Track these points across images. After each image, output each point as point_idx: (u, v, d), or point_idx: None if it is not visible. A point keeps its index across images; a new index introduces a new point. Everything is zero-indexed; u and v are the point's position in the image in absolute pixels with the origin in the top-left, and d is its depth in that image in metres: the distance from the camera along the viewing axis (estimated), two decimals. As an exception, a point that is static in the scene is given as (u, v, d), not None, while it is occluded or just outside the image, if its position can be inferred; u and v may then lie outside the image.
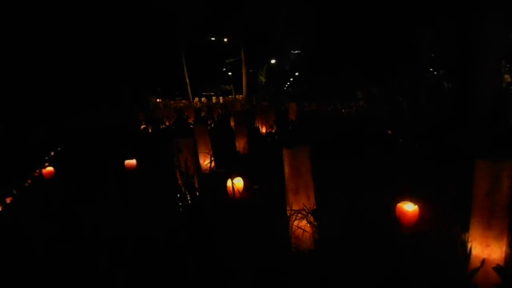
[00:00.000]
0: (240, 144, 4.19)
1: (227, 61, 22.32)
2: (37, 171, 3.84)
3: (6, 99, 8.36)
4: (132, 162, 3.44)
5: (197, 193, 2.42)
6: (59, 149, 5.38)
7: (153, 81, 20.85)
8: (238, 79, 21.25)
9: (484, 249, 1.37)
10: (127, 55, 12.62)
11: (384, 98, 9.34)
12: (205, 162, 3.23)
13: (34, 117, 8.04)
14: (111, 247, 1.94)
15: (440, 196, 2.06)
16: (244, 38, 16.94)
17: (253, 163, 3.26)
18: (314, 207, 1.76)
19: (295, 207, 1.76)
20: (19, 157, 4.59)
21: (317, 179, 1.80)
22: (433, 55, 14.28)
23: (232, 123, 5.70)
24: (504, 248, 1.38)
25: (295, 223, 1.74)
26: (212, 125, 6.57)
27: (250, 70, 18.84)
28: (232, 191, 2.30)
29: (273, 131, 5.27)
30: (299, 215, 1.74)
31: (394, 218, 1.80)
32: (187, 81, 20.53)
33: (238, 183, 2.37)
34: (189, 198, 2.38)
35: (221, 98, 19.34)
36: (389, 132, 4.41)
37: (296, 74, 29.93)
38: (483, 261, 1.37)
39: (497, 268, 1.35)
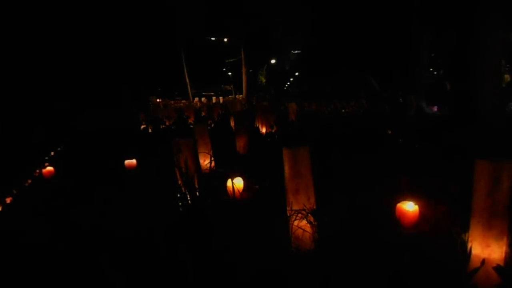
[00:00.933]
0: (240, 144, 4.19)
1: (227, 61, 22.34)
2: (37, 171, 3.84)
3: (6, 99, 8.36)
4: (132, 162, 3.44)
5: (197, 193, 2.42)
6: (59, 149, 5.38)
7: (153, 81, 20.85)
8: (238, 79, 21.25)
9: (484, 249, 1.37)
10: (127, 55, 12.61)
11: (384, 97, 9.35)
12: (205, 162, 3.23)
13: (33, 117, 8.04)
14: (111, 247, 1.94)
15: (440, 196, 2.06)
16: (244, 38, 16.94)
17: (253, 163, 3.26)
18: (314, 207, 1.76)
19: (295, 207, 1.76)
20: (19, 157, 4.59)
21: (317, 179, 1.80)
22: (433, 55, 14.28)
23: (232, 123, 5.70)
24: (504, 248, 1.38)
25: (295, 223, 1.74)
26: (212, 125, 6.57)
27: (250, 70, 18.84)
28: (232, 191, 2.30)
29: (273, 131, 5.27)
30: (299, 215, 1.74)
31: (394, 218, 1.80)
32: (187, 81, 20.53)
33: (238, 183, 2.37)
34: (189, 198, 2.38)
35: (221, 98, 19.34)
36: (389, 132, 4.41)
37: (296, 74, 29.94)
38: (483, 261, 1.37)
39: (497, 268, 1.35)
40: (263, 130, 5.52)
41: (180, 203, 2.37)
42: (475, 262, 1.39)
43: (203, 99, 19.36)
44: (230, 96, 24.33)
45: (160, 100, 20.72)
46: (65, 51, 10.48)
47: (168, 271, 1.70)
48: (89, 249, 1.96)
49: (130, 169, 3.41)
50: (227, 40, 19.68)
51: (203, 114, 9.03)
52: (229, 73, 29.87)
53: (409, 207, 1.79)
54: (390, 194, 2.00)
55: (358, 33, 14.48)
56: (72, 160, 4.41)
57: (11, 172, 3.76)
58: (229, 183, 2.34)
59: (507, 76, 11.10)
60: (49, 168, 3.44)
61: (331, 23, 15.62)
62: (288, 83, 31.54)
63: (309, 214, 1.73)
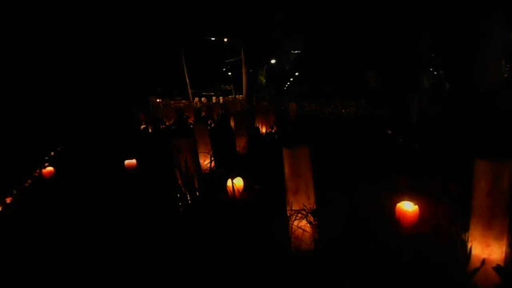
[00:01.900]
0: (240, 144, 4.19)
1: (227, 61, 22.34)
2: (37, 171, 3.84)
3: (6, 99, 8.36)
4: (132, 162, 3.44)
5: (197, 193, 2.42)
6: (59, 149, 5.38)
7: (153, 81, 20.86)
8: (238, 79, 21.25)
9: (484, 249, 1.37)
10: (127, 55, 12.62)
11: (384, 97, 9.34)
12: (205, 162, 3.23)
13: (34, 117, 8.04)
14: (111, 247, 1.94)
15: (440, 196, 2.06)
16: (244, 38, 16.95)
17: (253, 163, 3.26)
18: (314, 207, 1.76)
19: (295, 207, 1.76)
20: (19, 157, 4.59)
21: (317, 179, 1.80)
22: (433, 55, 14.28)
23: (232, 123, 5.70)
24: (504, 248, 1.38)
25: (295, 223, 1.74)
26: (212, 125, 6.57)
27: (250, 70, 18.84)
28: (232, 191, 2.29)
29: (273, 131, 5.27)
30: (299, 215, 1.74)
31: (394, 218, 1.80)
32: (187, 81, 20.54)
33: (238, 183, 2.37)
34: (189, 198, 2.38)
35: (221, 98, 19.34)
36: (389, 132, 4.41)
37: (296, 74, 29.94)
38: (483, 261, 1.36)
39: (497, 268, 1.35)
40: (263, 130, 5.52)
41: (180, 203, 2.37)
42: (475, 262, 1.39)
43: (203, 99, 19.37)
44: (230, 96, 24.34)
45: (160, 100, 20.72)
46: (65, 51, 10.48)
47: (168, 271, 1.70)
48: (89, 249, 1.96)
49: (130, 169, 3.41)
50: (227, 40, 19.69)
51: (203, 114, 9.03)
52: (229, 73, 29.87)
53: (409, 207, 1.79)
54: (390, 194, 2.00)
55: (358, 33, 14.48)
56: (72, 160, 4.41)
57: (11, 172, 3.76)
58: (229, 183, 2.34)
59: (506, 76, 11.09)
60: (49, 168, 3.43)
61: (331, 23, 15.62)
62: (288, 83, 31.55)
63: (309, 214, 1.73)
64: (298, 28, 17.76)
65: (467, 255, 1.41)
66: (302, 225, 1.74)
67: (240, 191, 2.35)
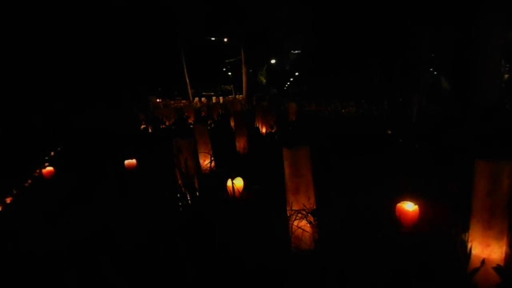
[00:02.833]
0: (240, 144, 4.19)
1: (227, 61, 22.34)
2: (37, 171, 3.84)
3: (6, 100, 8.36)
4: (132, 162, 3.44)
5: (197, 193, 2.42)
6: (59, 149, 5.38)
7: (153, 81, 20.85)
8: (238, 79, 21.25)
9: (484, 249, 1.37)
10: (127, 55, 12.62)
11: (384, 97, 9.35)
12: (205, 162, 3.23)
13: (34, 117, 8.04)
14: (111, 247, 1.94)
15: (440, 196, 2.06)
16: (244, 38, 16.94)
17: (253, 163, 3.26)
18: (314, 207, 1.76)
19: (295, 207, 1.76)
20: (19, 157, 4.59)
21: (317, 179, 1.80)
22: (433, 55, 14.27)
23: (232, 123, 5.70)
24: (504, 248, 1.38)
25: (295, 223, 1.74)
26: (212, 125, 6.57)
27: (250, 70, 18.84)
28: (232, 191, 2.30)
29: (273, 131, 5.27)
30: (299, 215, 1.74)
31: (394, 218, 1.80)
32: (187, 81, 20.54)
33: (238, 183, 2.37)
34: (189, 198, 2.38)
35: (221, 98, 19.35)
36: (389, 132, 4.41)
37: (296, 74, 29.95)
38: (483, 261, 1.37)
39: (497, 268, 1.35)
40: (263, 130, 5.52)
41: (180, 203, 2.36)
42: (475, 262, 1.39)
43: (203, 99, 19.37)
44: (230, 96, 24.34)
45: (160, 100, 20.73)
46: (65, 52, 10.48)
47: (168, 272, 1.70)
48: (89, 249, 1.96)
49: (130, 169, 3.41)
50: (227, 40, 19.69)
51: (203, 114, 9.03)
52: (229, 73, 29.87)
53: (409, 207, 1.79)
54: (390, 194, 2.00)
55: (358, 33, 14.48)
56: (72, 160, 4.41)
57: (11, 172, 3.76)
58: (229, 183, 2.34)
59: (506, 76, 11.09)
60: (49, 168, 3.43)
61: (331, 23, 15.62)
62: (288, 83, 31.56)
63: (309, 214, 1.73)
64: (298, 28, 17.76)
65: (467, 255, 1.41)
66: (302, 225, 1.74)
67: (240, 191, 2.35)
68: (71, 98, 10.37)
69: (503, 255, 1.38)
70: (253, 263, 1.63)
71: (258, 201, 2.24)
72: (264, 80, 22.52)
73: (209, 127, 4.44)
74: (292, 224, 1.75)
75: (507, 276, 1.33)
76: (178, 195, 2.39)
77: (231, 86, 29.65)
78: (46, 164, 3.81)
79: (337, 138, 4.12)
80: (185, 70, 20.20)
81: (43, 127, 5.77)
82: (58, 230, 2.23)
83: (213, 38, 20.06)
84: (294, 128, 5.59)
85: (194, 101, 18.70)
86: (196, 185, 2.45)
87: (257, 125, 5.77)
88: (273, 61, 23.33)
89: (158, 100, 20.71)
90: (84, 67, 11.10)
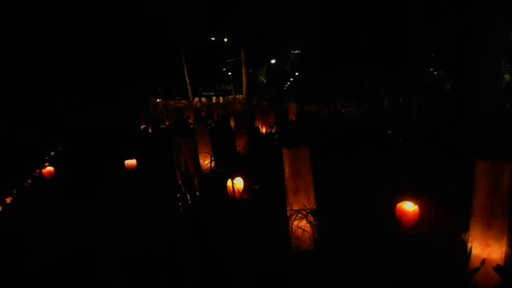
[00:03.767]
0: (240, 144, 4.19)
1: (227, 61, 22.35)
2: (37, 171, 3.84)
3: (6, 100, 8.37)
4: (132, 162, 3.44)
5: (197, 193, 2.42)
6: (59, 149, 5.38)
7: (153, 81, 20.86)
8: (238, 79, 21.24)
9: (484, 249, 1.37)
10: (127, 55, 12.62)
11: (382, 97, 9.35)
12: (205, 162, 3.23)
13: (32, 117, 8.04)
14: (111, 247, 1.94)
15: (441, 196, 2.06)
16: (244, 38, 16.94)
17: (253, 163, 3.26)
18: (314, 207, 1.76)
19: (295, 207, 1.76)
20: (19, 157, 4.59)
21: (317, 179, 1.80)
22: (433, 55, 14.28)
23: (232, 123, 5.70)
24: (504, 248, 1.38)
25: (295, 223, 1.74)
26: (212, 125, 6.57)
27: (250, 70, 18.83)
28: (232, 191, 2.29)
29: (273, 131, 5.27)
30: (299, 215, 1.74)
31: (394, 218, 1.80)
32: (187, 81, 20.54)
33: (238, 183, 2.37)
34: (189, 198, 2.38)
35: (221, 98, 19.35)
36: (389, 132, 4.41)
37: (296, 74, 29.96)
38: (483, 261, 1.37)
39: (497, 268, 1.35)
40: (263, 130, 5.52)
41: (180, 203, 2.36)
42: (475, 262, 1.39)
43: (203, 99, 19.38)
44: (230, 96, 24.35)
45: (160, 100, 20.73)
46: (66, 52, 10.49)
47: (168, 271, 1.70)
48: (89, 249, 1.96)
49: (130, 169, 3.41)
50: (227, 40, 19.69)
51: (203, 114, 9.03)
52: (229, 73, 29.88)
53: (409, 207, 1.79)
54: (390, 194, 2.00)
55: (358, 33, 14.48)
56: (72, 160, 4.41)
57: (11, 172, 3.76)
58: (229, 183, 2.33)
59: (507, 76, 11.09)
60: (49, 168, 3.43)
61: (331, 22, 15.62)
62: (288, 83, 31.57)
63: (309, 214, 1.73)
64: (298, 28, 17.77)
65: (467, 255, 1.41)
66: (302, 225, 1.74)
67: (240, 191, 2.35)
68: (72, 98, 10.38)
69: (503, 255, 1.38)
70: (253, 263, 1.63)
71: (258, 201, 2.23)
72: (264, 80, 22.52)
73: (209, 127, 4.44)
74: (292, 224, 1.75)
75: (507, 276, 1.33)
76: (178, 195, 2.39)
77: (231, 86, 29.66)
78: (46, 164, 3.81)
79: (337, 138, 4.12)
80: (185, 70, 20.20)
81: (37, 140, 5.74)
82: (58, 230, 2.23)
83: (213, 38, 20.07)
84: (294, 128, 5.59)
85: (194, 101, 18.71)
86: (196, 185, 2.45)
87: (257, 125, 5.77)
88: (273, 61, 23.34)
89: (158, 100, 20.72)
90: (85, 67, 11.10)
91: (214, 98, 18.89)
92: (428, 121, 5.34)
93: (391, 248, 1.57)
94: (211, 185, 2.52)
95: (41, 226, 2.33)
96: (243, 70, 17.79)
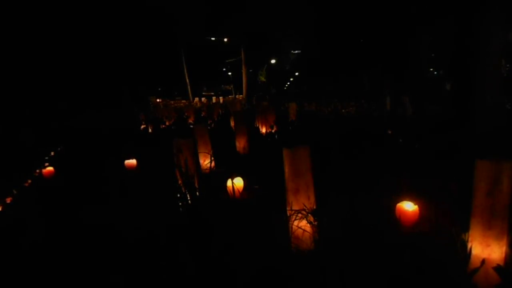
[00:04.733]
0: (240, 144, 4.19)
1: (227, 61, 22.33)
2: (37, 171, 3.84)
3: (6, 100, 8.37)
4: (132, 162, 3.44)
5: (197, 193, 2.42)
6: (59, 149, 5.38)
7: (153, 81, 20.87)
8: (238, 79, 21.25)
9: (484, 249, 1.37)
10: (127, 56, 12.62)
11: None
12: (205, 162, 3.23)
13: (32, 117, 8.04)
14: (111, 247, 1.94)
15: (440, 196, 2.06)
16: (244, 38, 16.94)
17: (253, 163, 3.26)
18: (314, 207, 1.76)
19: (295, 207, 1.76)
20: (19, 157, 4.59)
21: (317, 179, 1.80)
22: (433, 55, 14.28)
23: (232, 123, 5.70)
24: (504, 248, 1.38)
25: (295, 223, 1.74)
26: (212, 125, 6.57)
27: (250, 70, 18.83)
28: (232, 191, 2.30)
29: (273, 131, 5.27)
30: (299, 215, 1.74)
31: (394, 218, 1.80)
32: (187, 81, 20.54)
33: (238, 183, 2.37)
34: (189, 198, 2.38)
35: (221, 98, 19.36)
36: (389, 132, 4.41)
37: (296, 74, 29.96)
38: (483, 261, 1.37)
39: (497, 268, 1.35)
40: (263, 130, 5.52)
41: (180, 203, 2.36)
42: (475, 262, 1.39)
43: (203, 99, 19.38)
44: (230, 96, 24.35)
45: (160, 100, 20.74)
46: (66, 52, 10.49)
47: (168, 271, 1.70)
48: (89, 249, 1.96)
49: (130, 169, 3.41)
50: (227, 40, 19.68)
51: (203, 114, 9.03)
52: (229, 73, 29.89)
53: (409, 207, 1.79)
54: (390, 194, 2.00)
55: (358, 33, 14.48)
56: (72, 160, 4.41)
57: (11, 172, 3.76)
58: (229, 183, 2.34)
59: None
60: (49, 168, 3.43)
61: (331, 23, 15.62)
62: (288, 83, 31.57)
63: (309, 214, 1.73)
64: (298, 28, 17.76)
65: (467, 255, 1.41)
66: (302, 225, 1.74)
67: (240, 191, 2.35)
68: (72, 98, 10.38)
69: (503, 255, 1.38)
70: (253, 263, 1.63)
71: (258, 201, 2.24)
72: (264, 80, 22.51)
73: (209, 127, 4.44)
74: (292, 224, 1.75)
75: (507, 276, 1.33)
76: (178, 195, 2.39)
77: (231, 86, 29.67)
78: (46, 164, 3.81)
79: (337, 138, 4.12)
80: (185, 70, 20.19)
81: (37, 140, 5.74)
82: (59, 230, 2.23)
83: (213, 38, 20.05)
84: (294, 128, 5.59)
85: (194, 101, 18.71)
86: (196, 185, 2.45)
87: (257, 125, 5.77)
88: (273, 61, 23.33)
89: (158, 100, 20.72)
90: (85, 68, 11.10)
91: (214, 98, 18.90)
92: (427, 121, 5.34)
93: (391, 248, 1.57)
94: (211, 185, 2.52)
95: (41, 226, 2.33)
96: (243, 70, 17.79)
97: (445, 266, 1.45)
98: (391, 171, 2.66)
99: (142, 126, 7.55)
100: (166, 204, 2.38)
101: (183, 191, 2.40)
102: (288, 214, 1.77)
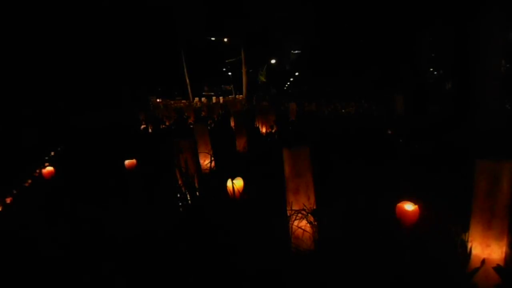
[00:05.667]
0: (240, 144, 4.19)
1: (227, 61, 22.31)
2: (37, 171, 3.84)
3: (6, 100, 8.37)
4: (132, 162, 3.43)
5: (197, 193, 2.42)
6: (59, 149, 5.38)
7: (153, 81, 20.86)
8: (238, 79, 21.25)
9: (484, 249, 1.37)
10: (127, 55, 12.62)
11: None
12: (205, 162, 3.23)
13: (32, 117, 8.04)
14: (111, 247, 1.94)
15: (441, 196, 2.06)
16: (244, 38, 16.94)
17: (253, 163, 3.26)
18: (314, 207, 1.76)
19: (295, 207, 1.76)
20: (19, 157, 4.59)
21: (317, 179, 1.80)
22: (433, 55, 14.28)
23: (232, 123, 5.70)
24: (504, 248, 1.38)
25: (295, 223, 1.74)
26: (212, 125, 6.57)
27: (250, 70, 18.84)
28: (232, 191, 2.29)
29: (273, 131, 5.27)
30: (299, 215, 1.74)
31: (394, 218, 1.80)
32: (187, 81, 20.54)
33: (238, 183, 2.37)
34: (189, 198, 2.38)
35: (221, 98, 19.35)
36: (389, 132, 4.41)
37: (296, 74, 29.97)
38: (483, 261, 1.37)
39: (497, 268, 1.35)
40: (263, 130, 5.52)
41: (180, 203, 2.36)
42: (475, 262, 1.39)
43: (203, 99, 19.37)
44: (230, 96, 24.35)
45: (160, 100, 20.74)
46: (66, 52, 10.49)
47: (168, 271, 1.70)
48: (89, 249, 1.96)
49: (130, 169, 3.41)
50: (227, 40, 19.68)
51: (203, 114, 9.03)
52: (229, 73, 29.89)
53: (409, 207, 1.78)
54: (390, 193, 2.00)
55: (358, 33, 14.48)
56: (72, 160, 4.41)
57: (11, 172, 3.76)
58: (229, 183, 2.33)
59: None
60: (49, 168, 3.42)
61: (331, 23, 15.62)
62: (288, 83, 31.58)
63: (309, 214, 1.73)
64: (298, 28, 17.76)
65: (467, 255, 1.41)
66: (302, 225, 1.74)
67: (240, 191, 2.35)
68: (72, 98, 10.38)
69: (503, 255, 1.38)
70: (253, 263, 1.63)
71: (258, 201, 2.23)
72: (264, 80, 22.51)
73: (209, 127, 4.44)
74: (292, 224, 1.75)
75: (507, 276, 1.33)
76: (178, 195, 2.39)
77: (231, 86, 29.67)
78: (46, 164, 3.81)
79: (337, 137, 4.12)
80: (185, 70, 20.19)
81: (37, 140, 5.73)
82: (58, 230, 2.23)
83: (213, 38, 20.05)
84: (294, 128, 5.59)
85: (194, 101, 18.71)
86: (196, 185, 2.45)
87: (257, 125, 5.77)
88: (273, 61, 23.33)
89: (158, 100, 20.72)
90: (85, 67, 11.10)
91: (214, 98, 18.89)
92: (428, 121, 5.33)
93: (391, 248, 1.57)
94: (211, 185, 2.52)
95: (41, 226, 2.33)
96: (243, 70, 17.79)
97: (445, 266, 1.45)
98: (391, 170, 2.66)
99: (142, 126, 7.55)
100: (166, 204, 2.38)
101: (183, 191, 2.40)
102: (288, 214, 1.77)
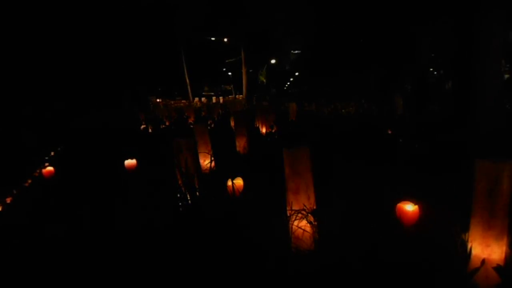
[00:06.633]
0: (240, 144, 4.18)
1: (227, 61, 22.30)
2: (37, 171, 3.84)
3: (6, 100, 8.37)
4: (132, 162, 3.44)
5: (197, 193, 2.42)
6: (59, 149, 5.38)
7: (153, 81, 20.86)
8: (238, 79, 21.24)
9: (484, 249, 1.37)
10: (128, 55, 12.62)
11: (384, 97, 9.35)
12: (205, 162, 3.22)
13: (32, 117, 8.04)
14: (111, 247, 1.94)
15: (441, 196, 2.06)
16: (244, 38, 16.94)
17: (253, 163, 3.26)
18: (314, 207, 1.76)
19: (295, 207, 1.76)
20: (19, 157, 4.59)
21: (317, 179, 1.80)
22: (433, 55, 14.28)
23: (232, 123, 5.69)
24: (504, 248, 1.38)
25: (295, 223, 1.74)
26: (212, 125, 6.57)
27: (250, 70, 18.83)
28: (232, 191, 2.29)
29: (273, 131, 5.27)
30: (299, 215, 1.74)
31: (394, 218, 1.80)
32: (187, 81, 20.53)
33: (238, 183, 2.37)
34: (189, 198, 2.38)
35: (221, 98, 19.36)
36: (389, 132, 4.41)
37: (296, 74, 29.97)
38: (483, 261, 1.37)
39: (497, 268, 1.35)
40: (263, 130, 5.52)
41: (180, 203, 2.36)
42: (475, 262, 1.39)
43: (203, 99, 19.38)
44: (230, 96, 24.35)
45: (160, 100, 20.74)
46: (66, 52, 10.49)
47: (168, 271, 1.70)
48: (90, 249, 1.96)
49: (130, 169, 3.41)
50: (227, 40, 19.67)
51: (203, 114, 9.03)
52: (229, 73, 29.89)
53: (409, 207, 1.78)
54: (390, 193, 2.00)
55: (358, 33, 14.49)
56: (72, 160, 4.41)
57: (11, 172, 3.76)
58: (229, 183, 2.33)
59: (507, 76, 11.09)
60: (49, 168, 3.43)
61: (331, 23, 15.62)
62: (288, 83, 31.58)
63: (309, 214, 1.73)
64: (298, 28, 17.75)
65: (467, 255, 1.41)
66: (302, 225, 1.74)
67: (240, 191, 2.35)
68: (72, 98, 10.38)
69: (503, 255, 1.38)
70: (253, 263, 1.63)
71: (258, 201, 2.23)
72: (264, 80, 22.51)
73: (209, 127, 4.44)
74: (292, 224, 1.75)
75: (507, 276, 1.33)
76: (178, 195, 2.39)
77: (231, 86, 29.67)
78: (46, 164, 3.81)
79: (337, 137, 4.12)
80: (185, 70, 20.18)
81: (37, 140, 5.72)
82: (59, 230, 2.23)
83: (213, 38, 20.04)
84: (294, 128, 5.59)
85: (194, 101, 18.71)
86: (196, 185, 2.45)
87: (257, 125, 5.77)
88: (273, 61, 23.32)
89: (158, 100, 20.72)
90: (84, 67, 11.10)
91: (214, 98, 18.89)
92: (428, 121, 5.33)
93: (391, 248, 1.57)
94: (211, 185, 2.52)
95: (41, 226, 2.33)
96: (243, 70, 17.79)
97: (445, 266, 1.45)
98: (391, 170, 2.66)
99: (142, 126, 7.55)
100: (166, 204, 2.38)
101: (183, 191, 2.40)
102: (288, 214, 1.77)
